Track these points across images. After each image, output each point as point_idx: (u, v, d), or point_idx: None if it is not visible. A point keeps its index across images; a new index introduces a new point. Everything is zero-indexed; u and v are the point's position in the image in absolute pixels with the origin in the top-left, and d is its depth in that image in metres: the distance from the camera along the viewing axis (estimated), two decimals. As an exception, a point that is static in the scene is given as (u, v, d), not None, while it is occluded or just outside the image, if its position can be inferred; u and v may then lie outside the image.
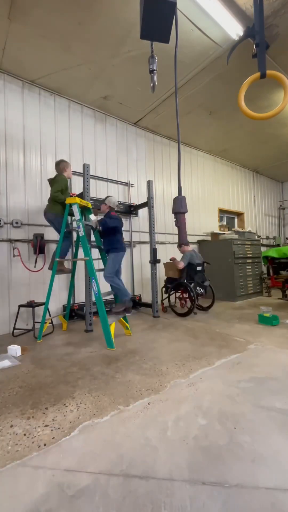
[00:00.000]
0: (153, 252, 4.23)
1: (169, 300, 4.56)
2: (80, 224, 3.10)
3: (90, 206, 3.52)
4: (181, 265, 4.24)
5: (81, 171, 3.78)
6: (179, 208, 2.11)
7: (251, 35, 2.35)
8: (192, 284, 4.12)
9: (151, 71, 2.35)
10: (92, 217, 3.49)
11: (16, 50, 3.40)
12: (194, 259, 4.29)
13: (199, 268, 4.29)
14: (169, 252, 5.72)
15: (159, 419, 1.55)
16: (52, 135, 4.19)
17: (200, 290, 4.22)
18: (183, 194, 2.15)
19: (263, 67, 2.29)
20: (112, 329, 2.88)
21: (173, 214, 2.17)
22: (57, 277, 3.99)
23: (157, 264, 4.30)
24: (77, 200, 3.19)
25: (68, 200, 3.22)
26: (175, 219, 2.15)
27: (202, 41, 3.38)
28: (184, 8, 2.91)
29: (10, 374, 2.24)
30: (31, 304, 3.34)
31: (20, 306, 3.43)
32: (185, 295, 4.40)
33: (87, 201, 3.50)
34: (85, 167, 3.60)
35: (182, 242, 2.37)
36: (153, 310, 4.30)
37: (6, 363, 2.46)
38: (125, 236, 5.03)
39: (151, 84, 2.39)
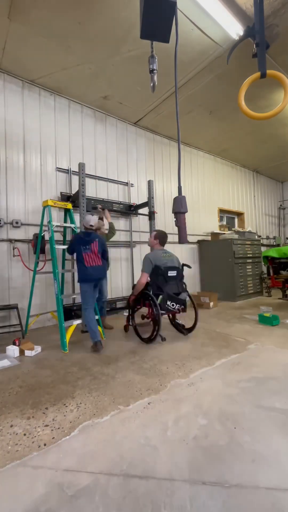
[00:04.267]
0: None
1: (131, 317, 3.27)
2: (49, 225, 3.15)
3: (70, 207, 3.61)
4: (142, 279, 3.02)
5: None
6: (179, 208, 2.11)
7: (251, 35, 2.35)
8: (160, 296, 2.88)
9: (151, 71, 2.35)
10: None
11: (16, 50, 3.40)
12: (161, 261, 3.05)
13: (171, 273, 3.01)
14: (169, 252, 5.72)
15: (159, 419, 1.55)
16: (52, 135, 4.18)
17: (172, 305, 2.93)
18: (183, 194, 2.15)
19: (263, 66, 2.29)
20: (70, 332, 2.88)
21: (173, 214, 2.17)
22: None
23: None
24: (50, 202, 3.27)
25: (44, 203, 3.34)
26: (175, 219, 2.15)
27: (202, 41, 3.37)
28: (184, 8, 2.91)
29: (10, 374, 2.24)
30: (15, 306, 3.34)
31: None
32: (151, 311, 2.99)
33: (66, 203, 3.62)
34: (81, 166, 3.61)
35: (181, 242, 2.15)
36: (153, 310, 4.29)
37: (5, 362, 2.47)
38: (125, 236, 5.03)
39: (151, 84, 2.39)
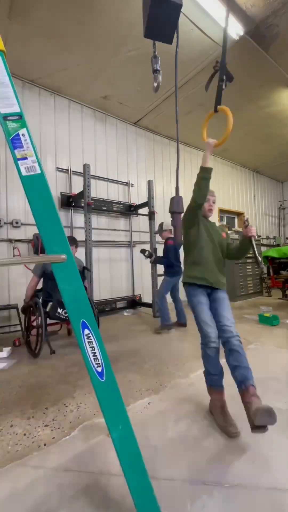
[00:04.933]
0: (154, 252, 4.23)
1: (25, 327, 2.85)
2: None
3: None
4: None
5: (81, 171, 3.79)
6: (175, 208, 2.11)
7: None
8: (51, 303, 2.65)
9: (155, 71, 2.33)
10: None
11: (16, 50, 3.39)
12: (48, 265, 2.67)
13: None
14: (169, 252, 5.72)
15: (159, 419, 1.55)
16: (52, 135, 4.18)
17: (61, 312, 2.66)
18: (183, 194, 2.15)
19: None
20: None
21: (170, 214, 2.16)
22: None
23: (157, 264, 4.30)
24: None
25: None
26: (171, 219, 2.15)
27: (202, 41, 3.37)
28: (184, 8, 2.87)
29: (10, 374, 2.24)
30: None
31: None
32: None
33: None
34: (86, 167, 3.61)
35: (177, 242, 2.08)
36: (153, 310, 4.30)
37: (5, 362, 2.46)
38: (125, 236, 5.03)
39: (155, 84, 2.36)
